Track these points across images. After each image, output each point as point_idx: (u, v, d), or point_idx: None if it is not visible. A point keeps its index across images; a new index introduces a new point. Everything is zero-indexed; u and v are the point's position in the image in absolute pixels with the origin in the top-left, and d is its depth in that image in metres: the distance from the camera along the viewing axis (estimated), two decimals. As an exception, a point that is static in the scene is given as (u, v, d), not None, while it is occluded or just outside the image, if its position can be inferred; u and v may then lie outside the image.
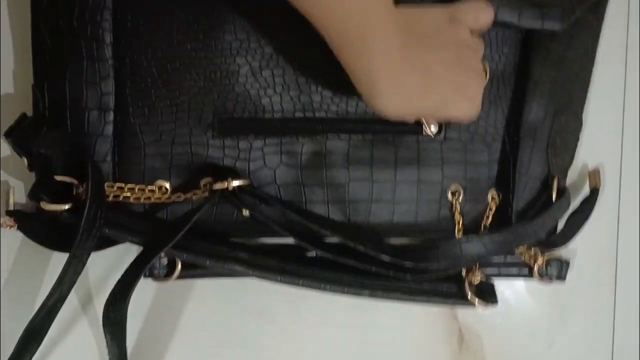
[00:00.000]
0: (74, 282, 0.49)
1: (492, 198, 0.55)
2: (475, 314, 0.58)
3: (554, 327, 0.60)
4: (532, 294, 0.59)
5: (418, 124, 0.53)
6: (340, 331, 0.58)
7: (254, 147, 0.52)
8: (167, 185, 0.52)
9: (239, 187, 0.51)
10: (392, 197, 0.54)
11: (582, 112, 0.56)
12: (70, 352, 0.56)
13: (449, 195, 0.54)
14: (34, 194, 0.49)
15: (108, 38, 0.50)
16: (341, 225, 0.53)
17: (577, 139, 0.57)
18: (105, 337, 0.51)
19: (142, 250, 0.51)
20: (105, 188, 0.51)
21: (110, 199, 0.51)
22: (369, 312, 0.58)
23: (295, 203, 0.53)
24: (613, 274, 0.60)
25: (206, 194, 0.51)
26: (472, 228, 0.55)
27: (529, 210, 0.54)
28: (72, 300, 0.55)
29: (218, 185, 0.50)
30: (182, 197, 0.52)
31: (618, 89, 0.59)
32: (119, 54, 0.50)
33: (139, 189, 0.52)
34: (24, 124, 0.50)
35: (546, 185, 0.55)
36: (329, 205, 0.53)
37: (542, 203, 0.54)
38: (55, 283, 0.48)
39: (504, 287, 0.59)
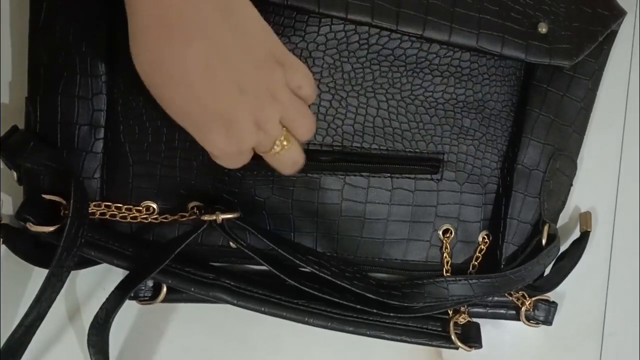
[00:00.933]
0: (53, 300, 0.48)
1: (483, 239, 0.55)
2: (460, 353, 0.58)
3: (539, 370, 0.59)
4: (519, 335, 0.59)
5: (414, 165, 0.52)
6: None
7: (244, 177, 0.51)
8: (155, 206, 0.51)
9: (227, 219, 0.50)
10: (382, 235, 0.53)
11: (577, 157, 0.56)
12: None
13: (440, 235, 0.54)
14: (20, 215, 0.49)
15: (103, 54, 0.49)
16: (328, 261, 0.52)
17: (571, 183, 0.56)
18: (91, 358, 0.51)
19: (127, 276, 0.51)
20: (92, 206, 0.50)
21: (97, 216, 0.51)
22: (352, 346, 0.57)
23: (283, 233, 0.52)
24: (602, 318, 0.59)
25: (194, 217, 0.51)
26: (460, 269, 0.55)
27: (518, 255, 0.54)
28: (58, 316, 0.55)
29: (207, 217, 0.50)
30: (170, 218, 0.51)
31: (616, 133, 0.59)
32: (112, 71, 0.50)
33: (125, 209, 0.51)
34: (13, 137, 0.49)
35: (537, 230, 0.54)
36: (317, 238, 0.53)
37: (532, 248, 0.54)
38: (33, 301, 0.48)
39: (490, 326, 0.58)
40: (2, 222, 0.52)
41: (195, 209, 0.51)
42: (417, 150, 0.52)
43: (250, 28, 0.41)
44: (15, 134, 0.50)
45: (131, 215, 0.51)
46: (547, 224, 0.54)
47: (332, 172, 0.51)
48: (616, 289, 0.59)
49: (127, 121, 0.50)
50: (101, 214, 0.51)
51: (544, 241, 0.53)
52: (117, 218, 0.51)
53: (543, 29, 0.50)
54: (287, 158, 0.46)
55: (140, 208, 0.51)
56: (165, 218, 0.51)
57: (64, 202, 0.49)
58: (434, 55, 0.51)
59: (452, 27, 0.48)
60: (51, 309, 0.49)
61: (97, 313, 0.50)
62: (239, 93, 0.40)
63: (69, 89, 0.49)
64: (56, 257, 0.47)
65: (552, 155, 0.53)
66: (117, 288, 0.50)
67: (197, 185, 0.51)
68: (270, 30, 0.43)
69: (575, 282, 0.57)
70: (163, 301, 0.54)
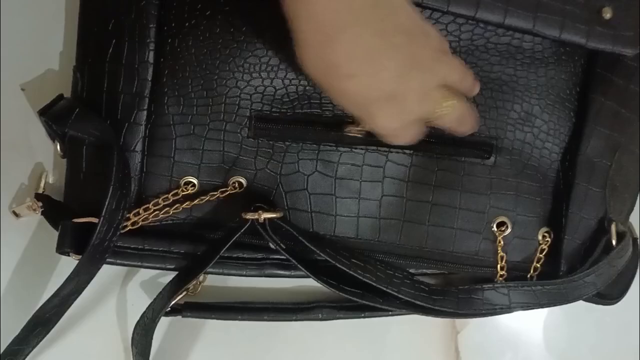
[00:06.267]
0: (92, 276, 0.48)
1: (544, 237, 0.51)
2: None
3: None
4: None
5: (462, 147, 0.49)
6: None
7: (289, 150, 0.49)
8: (195, 181, 0.49)
9: (269, 219, 0.48)
10: (426, 219, 0.50)
11: None
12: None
13: (494, 227, 0.50)
14: (61, 249, 0.47)
15: (152, 22, 0.48)
16: (374, 265, 0.50)
17: (639, 183, 0.52)
18: (133, 358, 0.51)
19: (176, 277, 0.50)
20: (131, 215, 0.48)
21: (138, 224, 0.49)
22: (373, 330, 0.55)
23: (324, 217, 0.50)
24: None
25: (234, 191, 0.49)
26: (517, 267, 0.51)
27: (582, 254, 0.50)
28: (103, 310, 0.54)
29: (249, 215, 0.48)
30: (214, 195, 0.49)
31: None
32: (160, 39, 0.48)
33: (163, 199, 0.49)
34: (59, 105, 0.48)
35: (602, 228, 0.50)
36: (359, 222, 0.50)
37: (601, 249, 0.50)
38: (72, 273, 0.46)
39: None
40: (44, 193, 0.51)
41: (236, 183, 0.49)
42: None
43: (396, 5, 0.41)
44: (61, 101, 0.49)
45: (174, 200, 0.49)
46: (614, 222, 0.50)
47: (377, 148, 0.49)
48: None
49: (172, 92, 0.49)
50: (144, 219, 0.49)
51: (614, 241, 0.50)
52: (159, 215, 0.49)
53: (607, 14, 0.47)
54: (459, 114, 0.45)
55: (177, 191, 0.49)
56: (211, 194, 0.49)
57: (95, 220, 0.46)
58: (492, 33, 0.49)
59: (508, 9, 0.46)
60: (96, 303, 0.52)
61: (145, 312, 0.50)
62: (401, 70, 0.41)
63: (116, 55, 0.48)
64: (97, 230, 0.45)
65: (617, 148, 0.50)
66: (167, 287, 0.50)
67: (241, 160, 0.49)
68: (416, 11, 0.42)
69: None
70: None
